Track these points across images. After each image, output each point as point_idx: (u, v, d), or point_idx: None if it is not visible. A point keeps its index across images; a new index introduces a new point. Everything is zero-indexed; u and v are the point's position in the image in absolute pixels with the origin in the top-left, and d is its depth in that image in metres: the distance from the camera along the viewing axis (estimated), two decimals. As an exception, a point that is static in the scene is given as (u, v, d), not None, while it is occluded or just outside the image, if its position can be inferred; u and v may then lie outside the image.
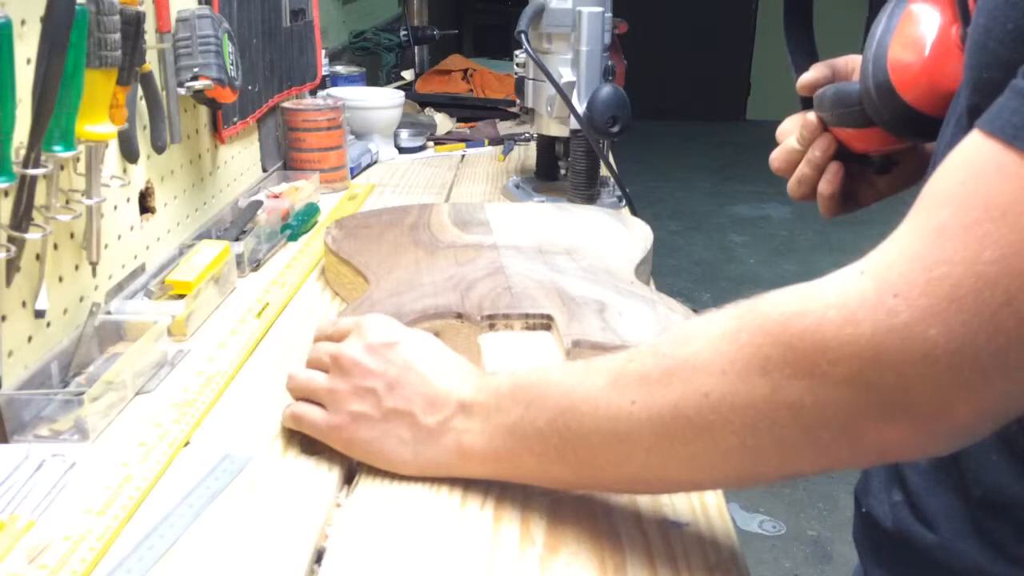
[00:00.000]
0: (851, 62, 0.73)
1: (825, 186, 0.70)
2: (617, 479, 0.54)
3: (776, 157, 0.75)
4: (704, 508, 0.60)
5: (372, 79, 2.08)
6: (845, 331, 0.41)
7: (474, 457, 0.58)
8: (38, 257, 0.73)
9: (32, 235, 0.69)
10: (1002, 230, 0.37)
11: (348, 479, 0.64)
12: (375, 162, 1.57)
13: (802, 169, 0.72)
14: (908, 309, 0.39)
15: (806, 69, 0.72)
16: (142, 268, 0.94)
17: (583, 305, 0.80)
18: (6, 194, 0.68)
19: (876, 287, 0.41)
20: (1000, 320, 0.37)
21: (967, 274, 0.38)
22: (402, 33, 2.23)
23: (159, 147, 0.95)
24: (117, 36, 0.74)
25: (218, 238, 1.05)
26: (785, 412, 0.43)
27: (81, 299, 0.82)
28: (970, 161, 0.39)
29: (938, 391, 0.39)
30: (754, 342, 0.44)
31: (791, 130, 0.74)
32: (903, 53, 0.57)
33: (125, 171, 0.91)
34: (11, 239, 0.68)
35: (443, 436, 0.60)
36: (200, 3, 1.08)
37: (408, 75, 2.22)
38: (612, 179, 1.30)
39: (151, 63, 0.91)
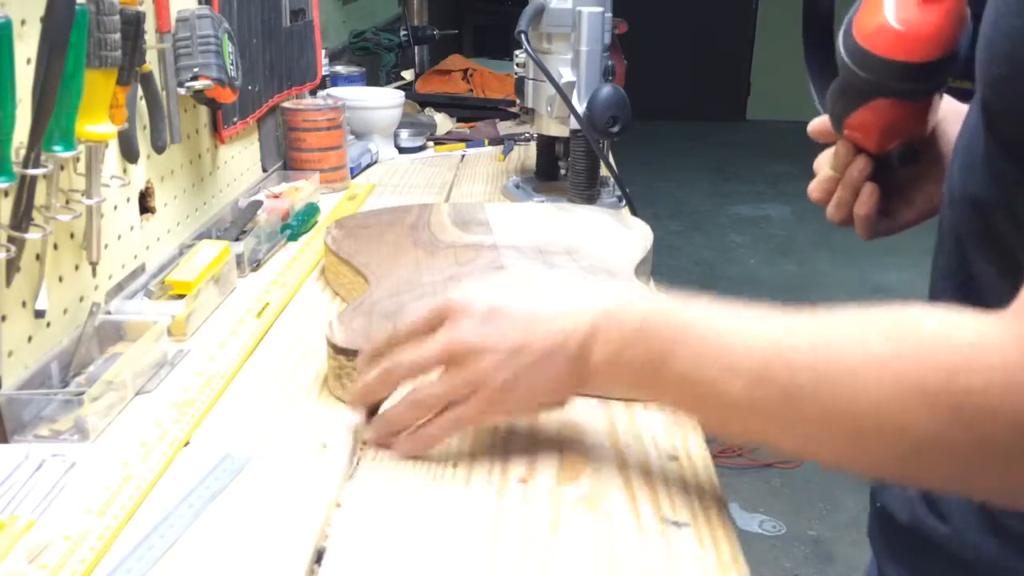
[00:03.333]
0: None
1: (860, 207, 0.71)
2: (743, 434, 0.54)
3: (814, 188, 0.75)
4: (704, 508, 0.60)
5: (372, 79, 2.08)
6: (1009, 400, 0.41)
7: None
8: (38, 257, 0.73)
9: (32, 235, 0.69)
10: None
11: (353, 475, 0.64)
12: (375, 162, 1.57)
13: (839, 193, 0.72)
14: None
15: (826, 87, 0.70)
16: (142, 268, 0.94)
17: (583, 305, 0.80)
18: (6, 194, 0.68)
19: None
20: None
21: None
22: (402, 33, 2.23)
23: (159, 147, 0.95)
24: (117, 36, 0.74)
25: (218, 238, 1.05)
26: (946, 449, 0.44)
27: (81, 299, 0.82)
28: None
29: None
30: (917, 375, 0.44)
31: (826, 162, 0.74)
32: (866, 19, 0.59)
33: (125, 171, 0.91)
34: (11, 239, 0.68)
35: (589, 348, 0.58)
36: (200, 3, 1.08)
37: (408, 75, 2.22)
38: (612, 179, 1.30)
39: (151, 63, 0.91)
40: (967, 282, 0.55)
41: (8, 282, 0.69)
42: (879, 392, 0.44)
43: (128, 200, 0.92)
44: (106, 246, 0.85)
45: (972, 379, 0.42)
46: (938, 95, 0.65)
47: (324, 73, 1.64)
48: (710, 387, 0.51)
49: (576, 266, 0.89)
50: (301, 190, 1.24)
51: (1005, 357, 0.41)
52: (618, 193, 1.29)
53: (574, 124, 1.23)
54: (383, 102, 1.59)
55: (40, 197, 0.71)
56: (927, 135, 0.69)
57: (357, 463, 0.66)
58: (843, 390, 0.46)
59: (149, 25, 0.95)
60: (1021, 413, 0.41)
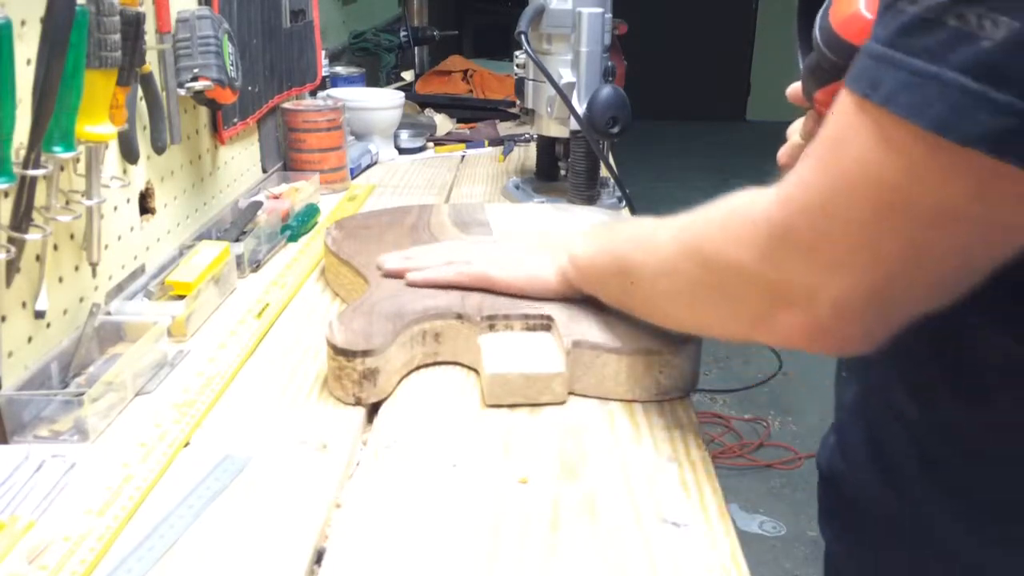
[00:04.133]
0: None
1: None
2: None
3: (783, 153, 0.78)
4: (704, 508, 0.60)
5: (372, 80, 2.08)
6: (730, 242, 0.56)
7: (578, 263, 0.79)
8: (38, 258, 0.73)
9: (32, 236, 0.69)
10: (833, 155, 0.48)
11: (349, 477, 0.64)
12: (375, 163, 1.57)
13: None
14: (790, 218, 0.51)
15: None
16: (142, 269, 0.94)
17: (583, 306, 0.80)
18: (6, 195, 0.68)
19: (777, 211, 0.52)
20: (826, 222, 0.48)
21: (818, 191, 0.49)
22: (402, 34, 2.23)
23: (159, 148, 0.95)
24: (117, 37, 0.74)
25: (218, 239, 1.05)
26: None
27: (81, 300, 0.82)
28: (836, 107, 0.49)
29: (808, 279, 0.50)
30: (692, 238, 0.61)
31: (796, 130, 0.77)
32: (842, 6, 0.63)
33: (125, 172, 0.91)
34: (11, 240, 0.68)
35: (561, 248, 0.81)
36: (200, 4, 1.08)
37: (408, 76, 2.22)
38: (612, 180, 1.30)
39: (151, 64, 0.91)
40: None
41: (8, 283, 0.69)
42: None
43: (128, 201, 0.92)
44: (106, 247, 0.85)
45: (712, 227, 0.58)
46: None
47: (324, 74, 1.64)
48: (600, 282, 0.76)
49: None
50: (301, 191, 1.24)
51: (766, 213, 0.53)
52: (618, 194, 1.30)
53: (574, 125, 1.23)
54: (383, 103, 1.59)
55: (40, 198, 0.71)
56: None
57: (357, 463, 0.66)
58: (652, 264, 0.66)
59: (149, 26, 0.95)
60: (728, 251, 0.55)
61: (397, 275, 0.86)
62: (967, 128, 0.40)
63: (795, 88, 0.75)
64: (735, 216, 0.56)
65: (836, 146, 0.47)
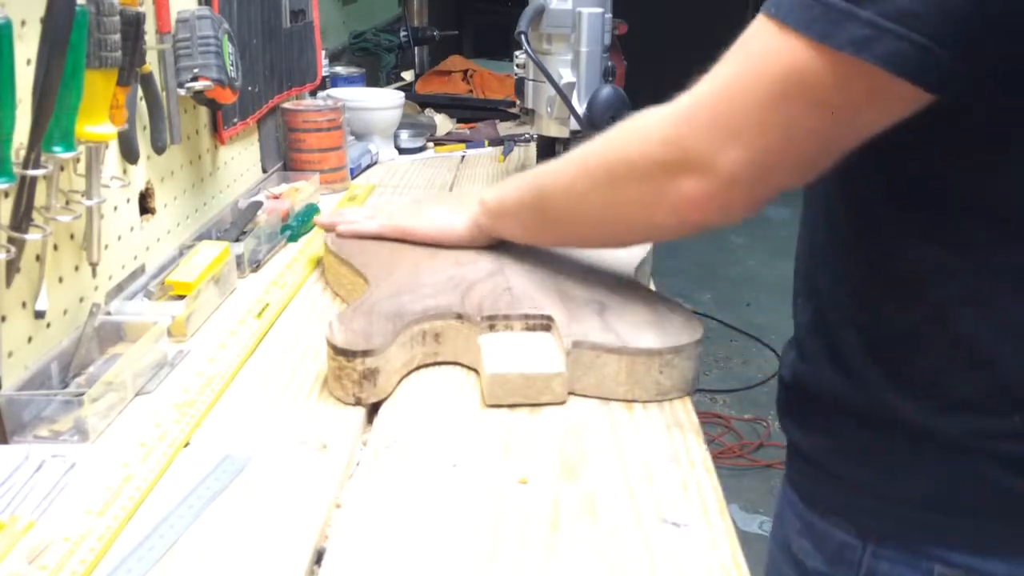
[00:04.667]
0: None
1: None
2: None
3: None
4: (704, 509, 0.60)
5: (372, 80, 2.08)
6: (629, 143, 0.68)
7: (487, 207, 0.89)
8: (38, 258, 0.73)
9: (32, 236, 0.69)
10: (739, 53, 0.61)
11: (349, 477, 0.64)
12: (375, 163, 1.57)
13: None
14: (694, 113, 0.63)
15: None
16: (142, 269, 0.94)
17: (583, 306, 0.80)
18: (6, 195, 0.68)
19: (684, 100, 0.64)
20: (721, 107, 0.61)
21: (723, 79, 0.62)
22: (402, 34, 2.23)
23: (159, 148, 0.95)
24: (117, 37, 0.74)
25: (218, 239, 1.05)
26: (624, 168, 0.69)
27: (81, 300, 0.82)
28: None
29: (709, 149, 0.61)
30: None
31: None
32: None
33: (125, 172, 0.91)
34: (11, 240, 0.68)
35: (475, 199, 0.91)
36: (200, 4, 1.08)
37: (408, 76, 2.22)
38: (612, 180, 1.30)
39: (151, 64, 0.91)
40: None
41: (8, 283, 0.69)
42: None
43: (128, 201, 0.92)
44: (106, 247, 0.85)
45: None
46: None
47: (324, 74, 1.64)
48: (513, 217, 0.86)
49: (576, 267, 0.89)
50: (301, 191, 1.24)
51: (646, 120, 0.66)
52: (618, 194, 1.29)
53: (574, 125, 1.23)
54: (383, 103, 1.59)
55: (40, 198, 0.71)
56: None
57: (357, 463, 0.66)
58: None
59: (149, 26, 0.95)
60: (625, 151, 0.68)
61: (328, 228, 0.99)
62: (839, 37, 0.54)
63: None
64: (636, 122, 0.68)
65: (742, 47, 0.60)
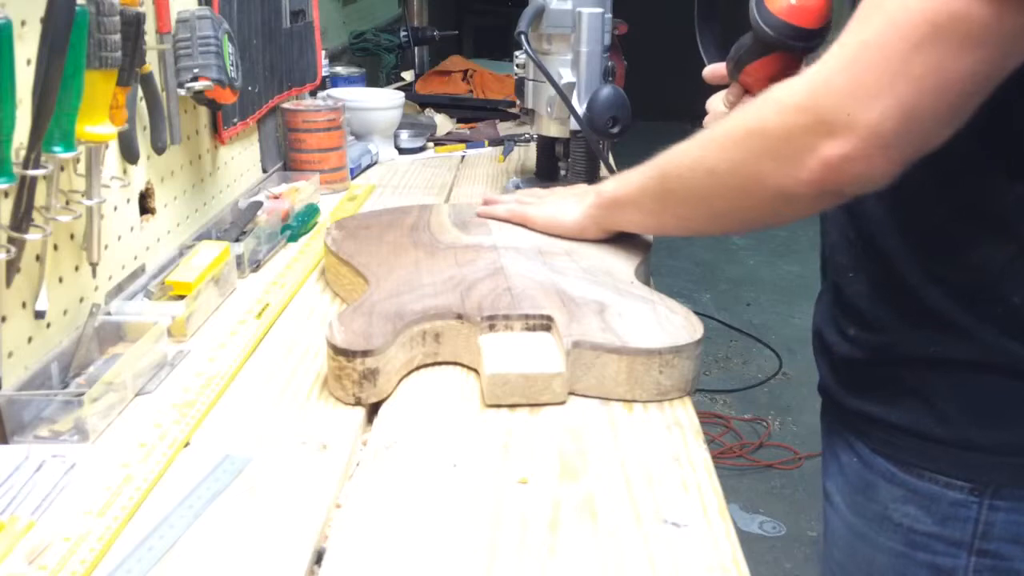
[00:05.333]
0: None
1: None
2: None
3: (708, 120, 0.93)
4: (704, 509, 0.60)
5: (372, 80, 2.07)
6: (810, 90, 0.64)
7: (604, 198, 0.91)
8: (38, 258, 0.73)
9: (32, 236, 0.69)
10: (873, 10, 0.59)
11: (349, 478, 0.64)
12: (375, 163, 1.57)
13: None
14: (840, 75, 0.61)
15: (717, 58, 0.96)
16: (142, 269, 0.94)
17: (583, 306, 0.80)
18: (6, 195, 0.68)
19: (817, 68, 0.63)
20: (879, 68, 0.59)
21: (859, 37, 0.60)
22: (402, 34, 2.23)
23: (159, 148, 0.95)
24: (117, 37, 0.74)
25: (218, 239, 1.05)
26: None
27: (81, 300, 0.82)
28: None
29: (853, 106, 0.60)
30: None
31: (717, 104, 0.94)
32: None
33: (125, 172, 0.91)
34: (11, 240, 0.68)
35: (589, 195, 0.94)
36: (200, 4, 1.08)
37: (408, 76, 2.22)
38: (612, 180, 1.30)
39: (151, 64, 0.91)
40: None
41: (8, 283, 0.69)
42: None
43: (128, 201, 0.92)
44: (106, 247, 0.85)
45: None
46: (808, 55, 0.86)
47: (324, 74, 1.64)
48: (633, 205, 0.87)
49: (576, 267, 0.89)
50: (301, 191, 1.24)
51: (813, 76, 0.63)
52: (618, 194, 1.29)
53: (574, 125, 1.23)
54: (383, 103, 1.59)
55: (40, 198, 0.71)
56: None
57: (357, 463, 0.66)
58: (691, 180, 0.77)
59: (149, 26, 0.95)
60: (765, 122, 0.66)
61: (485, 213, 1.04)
62: None
63: (711, 71, 0.96)
64: (768, 95, 0.67)
65: (875, 8, 0.59)
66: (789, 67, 0.87)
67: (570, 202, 0.97)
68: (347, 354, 0.73)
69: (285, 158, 1.40)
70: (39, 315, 0.73)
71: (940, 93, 0.58)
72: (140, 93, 0.90)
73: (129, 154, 0.88)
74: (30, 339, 0.73)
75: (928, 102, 0.59)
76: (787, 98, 0.65)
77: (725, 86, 0.94)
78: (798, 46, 0.84)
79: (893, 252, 0.72)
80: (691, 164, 0.76)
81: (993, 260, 0.66)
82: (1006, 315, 0.67)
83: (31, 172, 0.67)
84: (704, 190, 0.76)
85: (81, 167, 0.78)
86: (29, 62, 0.69)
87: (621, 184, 0.88)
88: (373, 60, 2.24)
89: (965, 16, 0.55)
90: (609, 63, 1.23)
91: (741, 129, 0.70)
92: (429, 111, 1.86)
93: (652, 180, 0.83)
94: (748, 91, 0.90)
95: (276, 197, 1.20)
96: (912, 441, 0.72)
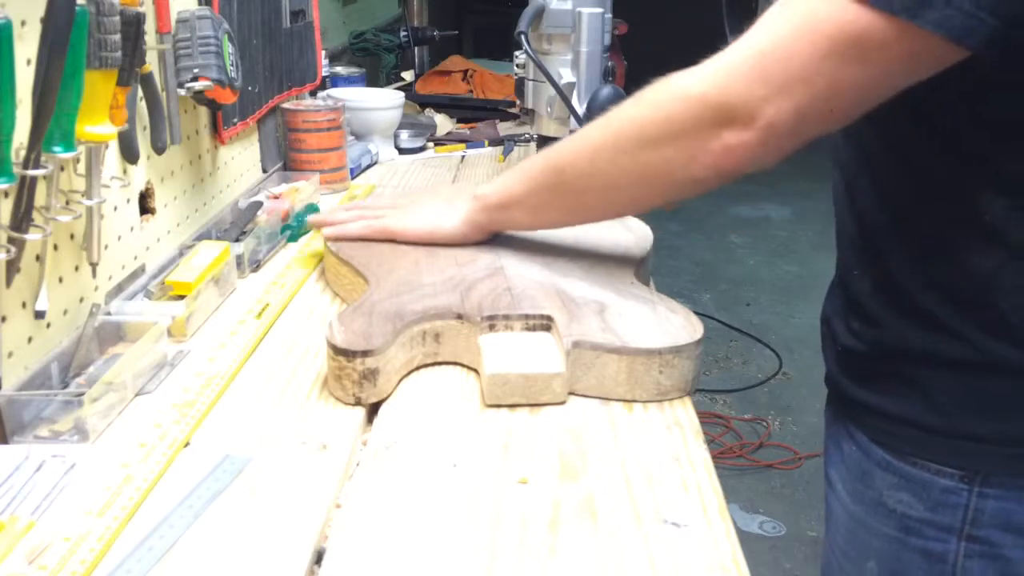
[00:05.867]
0: None
1: None
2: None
3: None
4: (704, 509, 0.60)
5: (372, 80, 2.07)
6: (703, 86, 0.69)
7: (488, 201, 0.90)
8: (38, 258, 0.73)
9: (32, 236, 0.69)
10: (785, 13, 0.65)
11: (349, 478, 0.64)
12: (375, 163, 1.57)
13: None
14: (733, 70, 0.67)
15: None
16: (142, 269, 0.94)
17: (583, 306, 0.80)
18: (6, 195, 0.68)
19: (723, 59, 0.68)
20: (771, 63, 0.65)
21: (769, 37, 0.66)
22: (402, 34, 2.23)
23: (159, 148, 0.95)
24: (117, 37, 0.74)
25: (218, 239, 1.05)
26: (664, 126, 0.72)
27: (81, 300, 0.82)
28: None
29: (755, 100, 0.65)
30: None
31: None
32: None
33: (125, 172, 0.91)
34: (11, 240, 0.68)
35: (467, 196, 0.92)
36: (200, 4, 1.08)
37: (408, 76, 2.22)
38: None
39: (151, 64, 0.91)
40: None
41: (8, 283, 0.69)
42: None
43: (128, 201, 0.92)
44: (106, 247, 0.85)
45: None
46: None
47: (324, 74, 1.64)
48: (522, 205, 0.87)
49: (576, 267, 0.89)
50: (301, 191, 1.24)
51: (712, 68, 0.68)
52: (618, 194, 1.29)
53: (574, 125, 1.23)
54: (383, 103, 1.59)
55: (40, 198, 0.71)
56: None
57: (357, 463, 0.66)
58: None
59: (149, 26, 0.95)
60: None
61: (317, 226, 1.02)
62: (894, 3, 0.59)
63: None
64: (660, 87, 0.72)
65: (788, 8, 0.64)
66: None
67: (442, 209, 0.95)
68: (347, 354, 0.73)
69: (285, 158, 1.40)
70: (39, 315, 0.73)
71: (831, 99, 0.65)
72: (140, 93, 0.90)
73: (129, 154, 0.88)
74: (30, 339, 0.73)
75: (819, 106, 0.65)
76: (692, 90, 0.69)
77: None
78: None
79: (892, 256, 0.74)
80: (588, 159, 0.78)
81: (983, 267, 0.68)
82: (995, 320, 0.69)
83: (31, 172, 0.67)
84: (603, 183, 0.78)
85: (81, 167, 0.78)
86: (29, 62, 0.69)
87: (503, 186, 0.89)
88: (373, 60, 2.24)
89: (865, 34, 0.61)
90: (609, 63, 1.23)
91: (640, 120, 0.73)
92: (429, 111, 1.86)
93: (542, 177, 0.84)
94: None
95: (276, 197, 1.20)
96: (906, 430, 0.74)
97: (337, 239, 0.95)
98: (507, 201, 0.88)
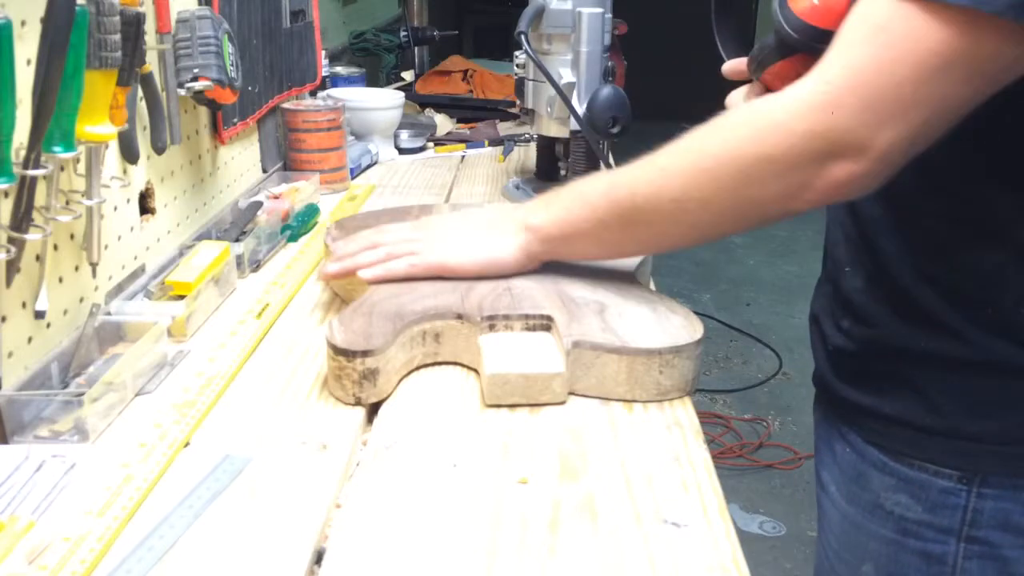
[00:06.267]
0: None
1: None
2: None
3: None
4: (704, 509, 0.60)
5: (372, 80, 2.08)
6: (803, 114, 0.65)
7: (547, 233, 0.82)
8: (38, 258, 0.73)
9: (32, 236, 0.69)
10: (879, 38, 0.61)
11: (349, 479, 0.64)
12: (375, 163, 1.57)
13: None
14: (837, 95, 0.63)
15: (735, 55, 0.93)
16: (142, 269, 0.94)
17: (583, 306, 0.80)
18: (6, 195, 0.68)
19: (820, 88, 0.64)
20: (879, 90, 0.61)
21: (870, 64, 0.61)
22: (402, 34, 2.23)
23: (159, 148, 0.95)
24: (117, 37, 0.74)
25: (218, 239, 1.05)
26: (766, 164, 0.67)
27: (81, 300, 0.82)
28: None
29: (866, 132, 0.62)
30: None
31: (738, 100, 0.91)
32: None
33: (125, 172, 0.91)
34: (11, 240, 0.68)
35: (513, 222, 0.85)
36: (200, 4, 1.08)
37: (408, 76, 2.22)
38: (612, 180, 1.30)
39: (151, 64, 0.91)
40: None
41: (8, 283, 0.69)
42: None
43: (128, 201, 0.92)
44: (106, 247, 0.85)
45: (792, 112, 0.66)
46: None
47: (324, 74, 1.64)
48: (587, 237, 0.80)
49: (576, 266, 0.89)
50: (301, 191, 1.24)
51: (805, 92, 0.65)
52: (618, 194, 1.29)
53: (574, 125, 1.23)
54: (383, 103, 1.59)
55: (40, 198, 0.71)
56: None
57: (357, 463, 0.66)
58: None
59: (149, 26, 0.95)
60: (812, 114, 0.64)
61: (344, 276, 0.87)
62: (997, 3, 0.56)
63: (730, 68, 0.93)
64: (754, 117, 0.68)
65: (880, 32, 0.61)
66: (811, 65, 0.89)
67: (489, 236, 0.86)
68: (347, 354, 0.73)
69: (285, 158, 1.40)
70: (39, 315, 0.73)
71: (944, 117, 0.62)
72: (140, 93, 0.90)
73: (129, 154, 0.88)
74: (30, 339, 0.73)
75: (933, 125, 0.62)
76: (794, 124, 0.64)
77: (744, 82, 0.93)
78: (823, 48, 0.85)
79: (888, 251, 0.73)
80: (675, 196, 0.72)
81: (984, 264, 0.67)
82: (996, 317, 0.68)
83: (31, 172, 0.67)
84: (693, 220, 0.73)
85: (81, 167, 0.78)
86: (29, 62, 0.69)
87: (562, 217, 0.81)
88: (373, 60, 2.24)
89: (972, 51, 0.58)
90: (609, 63, 1.23)
91: (737, 156, 0.68)
92: (429, 111, 1.86)
93: (612, 208, 0.77)
94: (770, 89, 0.91)
95: (276, 197, 1.20)
96: (903, 431, 0.74)
97: (381, 280, 0.84)
98: (570, 233, 0.81)
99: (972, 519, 0.72)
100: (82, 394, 0.68)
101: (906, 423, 0.74)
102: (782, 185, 0.67)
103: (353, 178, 1.45)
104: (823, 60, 0.64)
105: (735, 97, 0.93)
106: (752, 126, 0.68)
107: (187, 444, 0.68)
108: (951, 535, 0.73)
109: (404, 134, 1.65)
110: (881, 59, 0.61)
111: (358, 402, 0.74)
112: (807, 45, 0.83)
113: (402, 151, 1.64)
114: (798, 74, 0.88)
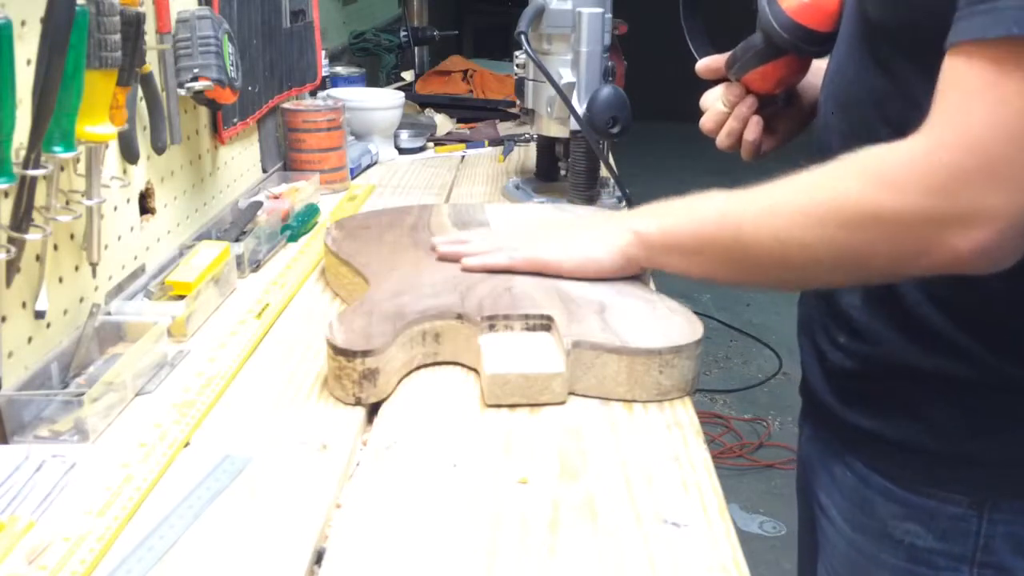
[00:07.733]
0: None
1: (749, 133, 0.90)
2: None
3: (707, 119, 0.94)
4: (704, 509, 0.60)
5: (372, 80, 2.07)
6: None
7: (650, 240, 0.80)
8: (38, 258, 0.73)
9: (32, 236, 0.69)
10: (991, 95, 0.57)
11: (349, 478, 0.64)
12: (375, 163, 1.57)
13: (730, 124, 0.91)
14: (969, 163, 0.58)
15: (706, 53, 0.96)
16: (142, 269, 0.94)
17: (583, 306, 0.80)
18: (6, 195, 0.68)
19: (929, 144, 0.59)
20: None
21: (988, 126, 0.57)
22: (402, 34, 2.23)
23: (159, 148, 0.95)
24: (117, 37, 0.74)
25: (218, 239, 1.05)
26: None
27: (81, 300, 0.82)
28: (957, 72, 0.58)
29: (990, 202, 0.57)
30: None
31: (714, 100, 0.93)
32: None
33: (125, 172, 0.91)
34: (11, 240, 0.68)
35: (617, 224, 0.84)
36: (200, 4, 1.08)
37: (408, 76, 2.22)
38: (612, 180, 1.30)
39: (151, 64, 0.91)
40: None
41: (8, 283, 0.69)
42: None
43: (128, 201, 0.92)
44: (106, 247, 0.85)
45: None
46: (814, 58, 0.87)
47: (324, 74, 1.64)
48: (688, 252, 0.77)
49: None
50: (301, 191, 1.24)
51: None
52: (618, 194, 1.29)
53: (574, 125, 1.23)
54: (383, 103, 1.59)
55: (40, 198, 0.71)
56: (797, 85, 0.91)
57: (357, 463, 0.66)
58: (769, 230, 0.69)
59: (149, 26, 0.95)
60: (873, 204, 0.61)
61: (452, 259, 0.89)
62: None
63: (705, 66, 0.94)
64: (866, 167, 0.63)
65: (990, 89, 0.56)
66: (797, 71, 0.88)
67: (589, 238, 0.86)
68: (347, 354, 0.73)
69: (285, 158, 1.40)
70: (39, 315, 0.73)
71: None
72: (140, 93, 0.90)
73: (129, 154, 0.88)
74: (30, 339, 0.73)
75: None
76: (906, 180, 0.60)
77: (719, 81, 0.93)
78: (811, 51, 0.83)
79: None
80: (777, 235, 0.68)
81: (993, 283, 0.64)
82: (1005, 337, 0.67)
83: (31, 172, 0.67)
84: (794, 263, 0.69)
85: (81, 167, 0.78)
86: (29, 62, 0.69)
87: (669, 226, 0.79)
88: (373, 60, 2.24)
89: None
90: (609, 63, 1.23)
91: (846, 206, 0.64)
92: (429, 111, 1.86)
93: (717, 232, 0.74)
94: (751, 91, 0.89)
95: (276, 197, 1.20)
96: (907, 456, 0.72)
97: (481, 270, 0.86)
98: (672, 245, 0.79)
99: (985, 544, 0.70)
100: (82, 394, 0.68)
101: (911, 448, 0.72)
102: (894, 247, 0.62)
103: (353, 178, 1.45)
104: (929, 119, 0.60)
105: (710, 99, 0.94)
106: (859, 173, 0.63)
107: (187, 444, 0.68)
108: (964, 562, 0.71)
109: (404, 134, 1.65)
110: (995, 117, 0.57)
111: (358, 402, 0.74)
112: (796, 46, 0.82)
113: (402, 151, 1.64)
114: (783, 77, 0.87)
